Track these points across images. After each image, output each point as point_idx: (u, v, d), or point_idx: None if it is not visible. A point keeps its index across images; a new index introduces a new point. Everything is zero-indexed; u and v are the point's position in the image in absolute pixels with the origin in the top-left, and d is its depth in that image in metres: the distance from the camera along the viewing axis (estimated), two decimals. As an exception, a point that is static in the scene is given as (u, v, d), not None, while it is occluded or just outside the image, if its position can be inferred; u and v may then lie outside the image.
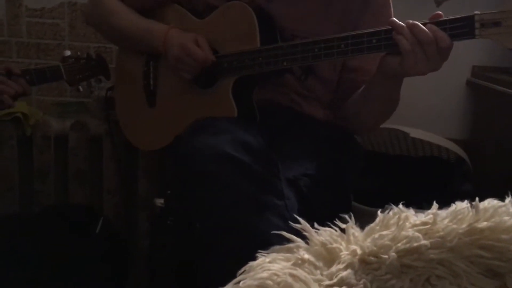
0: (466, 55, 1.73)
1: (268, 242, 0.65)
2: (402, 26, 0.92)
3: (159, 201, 1.36)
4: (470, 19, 0.90)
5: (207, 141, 0.86)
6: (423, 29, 0.91)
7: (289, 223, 0.68)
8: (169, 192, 1.34)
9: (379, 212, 0.69)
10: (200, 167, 0.85)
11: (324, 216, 0.70)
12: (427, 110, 1.78)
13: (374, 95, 1.09)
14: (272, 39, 1.11)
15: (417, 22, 0.92)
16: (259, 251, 0.62)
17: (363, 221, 0.69)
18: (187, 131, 1.01)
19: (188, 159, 0.88)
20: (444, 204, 0.69)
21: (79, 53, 1.35)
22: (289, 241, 0.65)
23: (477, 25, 0.90)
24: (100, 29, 1.38)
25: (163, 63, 1.26)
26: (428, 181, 1.54)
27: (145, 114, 1.32)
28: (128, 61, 1.36)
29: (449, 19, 0.92)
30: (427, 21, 0.94)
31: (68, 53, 1.35)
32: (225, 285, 0.59)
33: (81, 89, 1.38)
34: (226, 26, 1.15)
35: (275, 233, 0.67)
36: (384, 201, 0.72)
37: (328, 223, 0.66)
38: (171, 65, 1.18)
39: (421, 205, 0.77)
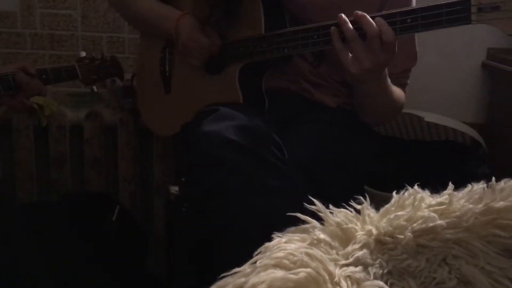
0: (481, 37, 1.71)
1: (274, 224, 0.65)
2: (345, 21, 0.94)
3: (174, 188, 1.38)
4: (466, 3, 0.85)
5: (210, 128, 0.87)
6: (369, 21, 0.91)
7: (295, 205, 0.68)
8: (183, 179, 1.35)
9: (394, 193, 0.69)
10: (204, 153, 0.86)
11: (335, 200, 0.70)
12: (442, 94, 1.76)
13: (359, 95, 1.13)
14: (281, 25, 1.11)
15: (364, 14, 0.92)
16: (274, 232, 0.63)
17: (378, 206, 0.69)
18: (193, 119, 1.02)
19: (193, 146, 0.90)
20: (459, 186, 0.69)
21: (93, 54, 1.38)
22: (297, 223, 0.65)
23: (473, 9, 0.84)
24: (122, 12, 1.42)
25: (178, 49, 1.27)
26: (443, 165, 1.53)
27: (162, 100, 1.33)
28: (147, 47, 1.38)
29: (445, 3, 0.87)
30: (376, 14, 0.92)
31: (83, 54, 1.40)
32: (239, 267, 0.59)
33: (95, 89, 1.47)
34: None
35: (281, 216, 0.67)
36: (399, 186, 0.71)
37: (343, 204, 0.66)
38: (181, 52, 1.21)
39: (436, 189, 0.76)
